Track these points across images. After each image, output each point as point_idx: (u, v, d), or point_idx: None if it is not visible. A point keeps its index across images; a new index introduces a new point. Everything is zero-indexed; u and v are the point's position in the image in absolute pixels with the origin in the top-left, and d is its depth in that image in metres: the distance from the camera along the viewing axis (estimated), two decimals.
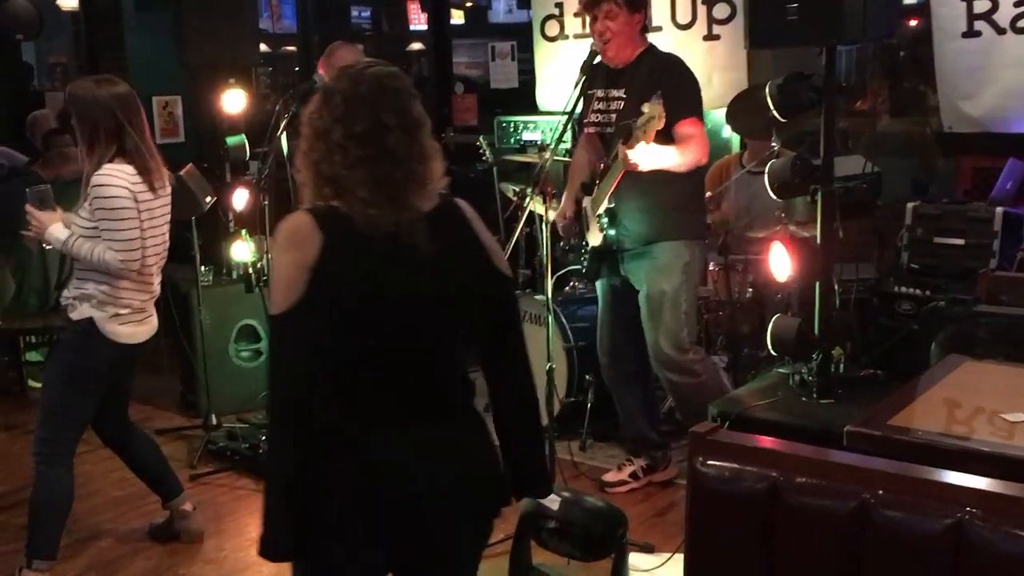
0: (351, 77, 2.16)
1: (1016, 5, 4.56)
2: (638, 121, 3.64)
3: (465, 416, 2.31)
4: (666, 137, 3.91)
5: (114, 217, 3.46)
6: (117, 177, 3.47)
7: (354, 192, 2.10)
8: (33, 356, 6.31)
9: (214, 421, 5.20)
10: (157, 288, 3.74)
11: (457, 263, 2.22)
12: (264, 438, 4.85)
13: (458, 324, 2.24)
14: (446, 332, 2.22)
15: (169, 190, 3.71)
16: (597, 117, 4.25)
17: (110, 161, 3.50)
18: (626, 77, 4.12)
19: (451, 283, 2.20)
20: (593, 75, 4.20)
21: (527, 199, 4.13)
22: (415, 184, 2.16)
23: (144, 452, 4.06)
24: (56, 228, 3.59)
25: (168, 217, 3.73)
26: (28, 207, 3.62)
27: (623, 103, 4.10)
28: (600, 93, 4.23)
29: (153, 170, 3.58)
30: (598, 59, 4.11)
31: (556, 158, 4.25)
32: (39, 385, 6.16)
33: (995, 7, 4.60)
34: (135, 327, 3.64)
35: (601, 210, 4.10)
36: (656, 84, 3.97)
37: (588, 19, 4.16)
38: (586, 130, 4.36)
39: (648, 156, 3.75)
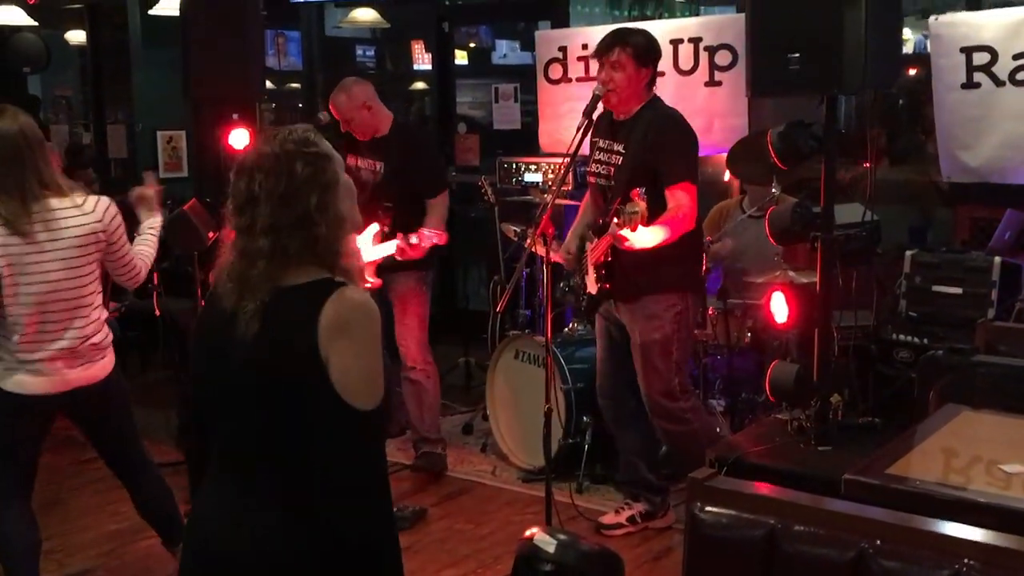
0: (244, 150, 2.16)
1: (1015, 58, 4.60)
2: (626, 209, 3.66)
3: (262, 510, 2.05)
4: (658, 198, 3.95)
5: None
6: None
7: (223, 261, 2.11)
8: None
9: None
10: (58, 340, 3.42)
11: (268, 359, 2.01)
12: None
13: (267, 428, 2.04)
14: (262, 425, 2.05)
15: (60, 236, 3.36)
16: (597, 168, 4.29)
17: None
18: (626, 131, 4.15)
19: (258, 380, 2.03)
20: (598, 124, 4.25)
21: (528, 240, 4.16)
22: (270, 258, 2.03)
23: (151, 497, 3.87)
24: None
25: (68, 264, 3.39)
26: None
27: (621, 158, 4.13)
28: (602, 143, 4.27)
29: (20, 215, 3.29)
30: (601, 105, 4.15)
31: (558, 200, 4.28)
32: None
33: (994, 59, 4.65)
34: (27, 376, 3.40)
35: (598, 263, 4.14)
36: (652, 144, 4.02)
37: (597, 63, 4.19)
38: (588, 179, 4.40)
39: (637, 239, 3.79)
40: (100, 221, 3.43)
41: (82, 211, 3.40)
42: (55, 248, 3.35)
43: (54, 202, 3.36)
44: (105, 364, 3.57)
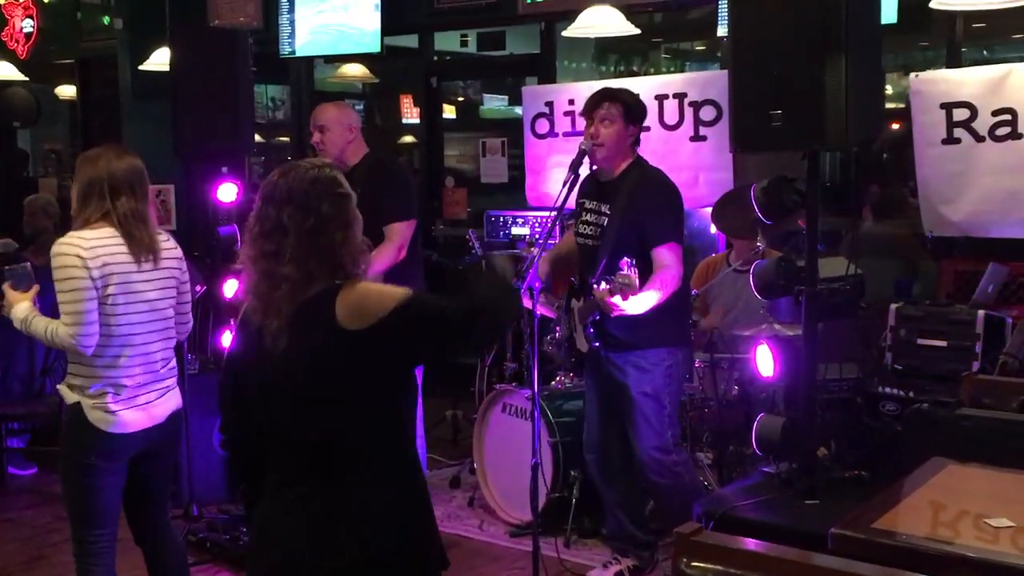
0: (272, 178, 2.37)
1: (994, 114, 4.68)
2: (617, 280, 3.67)
3: (333, 498, 2.32)
4: (646, 258, 3.99)
5: (64, 288, 3.22)
6: (70, 245, 3.24)
7: (249, 285, 2.36)
8: (14, 444, 6.25)
9: (195, 511, 5.14)
10: (160, 370, 3.45)
11: (301, 364, 2.29)
12: (244, 530, 4.79)
13: (325, 417, 2.30)
14: (308, 421, 2.32)
15: (166, 258, 3.44)
16: (585, 229, 4.31)
17: (88, 225, 3.31)
18: (612, 192, 4.20)
19: (306, 379, 2.29)
20: (585, 185, 4.28)
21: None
22: (297, 283, 2.28)
23: (167, 566, 3.69)
24: (18, 308, 3.38)
25: (165, 293, 3.45)
26: (3, 286, 3.49)
27: (607, 220, 4.18)
28: (589, 204, 4.30)
29: (139, 240, 3.34)
30: (586, 163, 4.18)
31: (544, 253, 4.30)
32: (19, 472, 6.13)
33: (974, 115, 4.73)
34: (130, 413, 3.35)
35: (588, 322, 4.16)
36: (638, 205, 4.07)
37: (584, 119, 4.24)
38: (576, 240, 4.40)
39: (628, 307, 3.79)
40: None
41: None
42: (154, 279, 3.43)
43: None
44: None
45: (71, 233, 3.30)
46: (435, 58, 8.09)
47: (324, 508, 2.30)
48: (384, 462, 2.34)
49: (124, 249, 3.31)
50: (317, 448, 2.32)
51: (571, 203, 4.32)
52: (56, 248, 3.26)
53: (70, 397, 3.37)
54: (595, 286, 3.84)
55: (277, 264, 2.29)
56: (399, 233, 4.61)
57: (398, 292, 2.30)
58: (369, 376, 2.28)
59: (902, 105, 5.49)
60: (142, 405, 3.40)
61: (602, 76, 7.72)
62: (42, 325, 3.32)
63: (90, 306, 3.24)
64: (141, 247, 3.35)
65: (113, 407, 3.34)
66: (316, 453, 2.32)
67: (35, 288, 3.48)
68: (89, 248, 3.24)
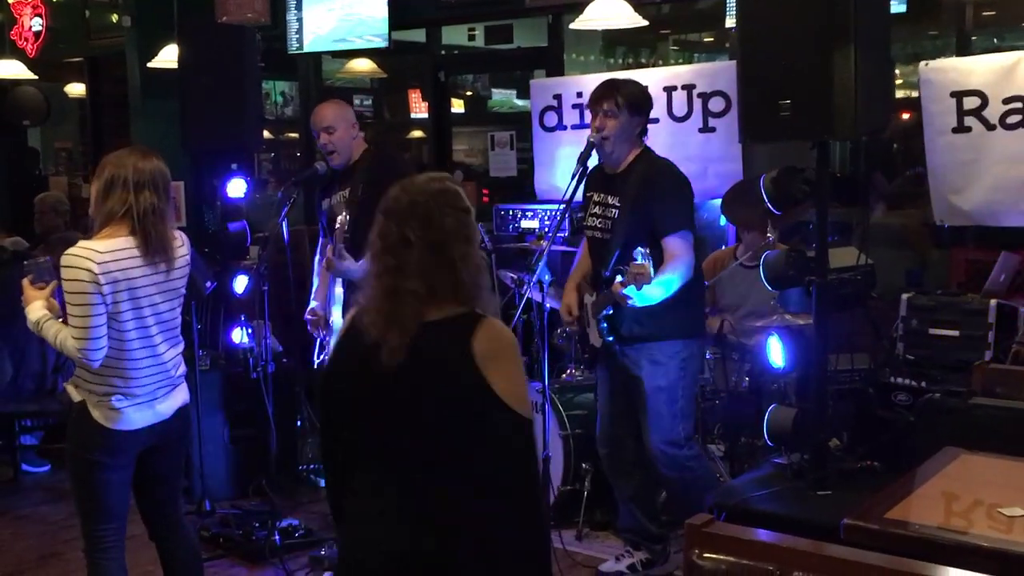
0: (393, 192, 2.37)
1: (1005, 102, 4.64)
2: (630, 268, 3.67)
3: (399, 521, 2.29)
4: (656, 248, 3.97)
5: (74, 301, 3.20)
6: (82, 258, 3.19)
7: (370, 300, 2.33)
8: (28, 441, 6.28)
9: (208, 507, 5.15)
10: (167, 368, 3.43)
11: (424, 384, 2.26)
12: (257, 524, 4.81)
13: (428, 445, 2.26)
14: (413, 447, 2.28)
15: (178, 267, 3.43)
16: (594, 221, 4.31)
17: (107, 225, 3.29)
18: (620, 184, 4.19)
19: (417, 403, 2.26)
20: (592, 178, 4.28)
21: (525, 286, 4.18)
22: (422, 298, 2.26)
23: (181, 561, 3.69)
24: (32, 308, 3.37)
25: (176, 303, 3.45)
26: (23, 281, 3.45)
27: (617, 211, 4.17)
28: (596, 197, 4.30)
29: (155, 240, 3.31)
30: (595, 159, 4.17)
31: (554, 246, 4.31)
32: (32, 469, 6.16)
33: (984, 104, 4.69)
34: (135, 410, 3.36)
35: (600, 316, 4.15)
36: (648, 196, 4.06)
37: (590, 113, 4.24)
38: (585, 233, 4.39)
39: (641, 297, 3.79)
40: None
41: None
42: (165, 281, 3.39)
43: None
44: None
45: (83, 243, 3.25)
46: (443, 52, 8.08)
47: (420, 509, 2.27)
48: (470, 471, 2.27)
49: (138, 261, 3.28)
50: (412, 456, 2.28)
51: (580, 196, 4.31)
52: (68, 258, 3.21)
53: (76, 395, 3.38)
54: (616, 280, 3.83)
55: (401, 279, 2.28)
56: None
57: (524, 396, 2.30)
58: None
59: (912, 94, 5.46)
60: (148, 402, 3.41)
61: (610, 68, 7.70)
62: (52, 331, 3.30)
63: (98, 321, 3.21)
64: (157, 250, 3.31)
65: (118, 405, 3.34)
66: (412, 461, 2.29)
67: (53, 283, 3.44)
68: (101, 263, 3.20)
